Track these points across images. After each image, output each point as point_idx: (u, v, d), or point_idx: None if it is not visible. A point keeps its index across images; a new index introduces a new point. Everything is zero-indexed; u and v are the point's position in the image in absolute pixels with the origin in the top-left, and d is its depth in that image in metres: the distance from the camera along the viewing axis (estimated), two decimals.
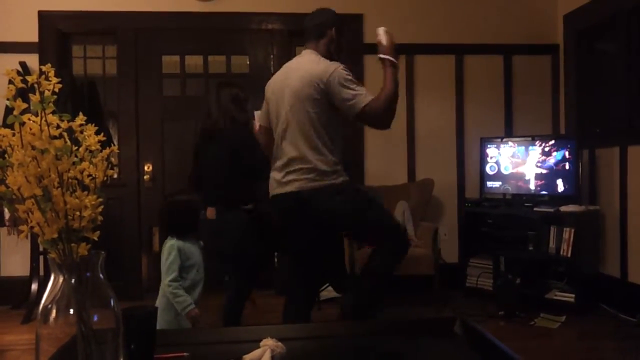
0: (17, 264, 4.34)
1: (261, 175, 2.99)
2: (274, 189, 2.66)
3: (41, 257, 4.08)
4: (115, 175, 4.54)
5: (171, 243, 2.69)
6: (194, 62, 4.77)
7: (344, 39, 2.81)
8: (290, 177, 2.57)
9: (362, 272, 2.78)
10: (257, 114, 3.22)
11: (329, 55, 2.69)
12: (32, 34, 4.41)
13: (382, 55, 2.59)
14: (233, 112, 3.29)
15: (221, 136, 3.26)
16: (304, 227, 2.64)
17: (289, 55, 4.72)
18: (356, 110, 2.48)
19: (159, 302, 2.70)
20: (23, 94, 0.82)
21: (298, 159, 2.55)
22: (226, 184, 3.22)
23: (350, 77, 2.52)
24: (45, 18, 4.44)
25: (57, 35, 4.48)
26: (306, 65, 2.62)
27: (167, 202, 3.06)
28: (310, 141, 2.53)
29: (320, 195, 2.51)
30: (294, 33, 4.69)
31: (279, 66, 4.66)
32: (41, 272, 4.12)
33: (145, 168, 4.62)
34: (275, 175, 2.66)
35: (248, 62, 4.79)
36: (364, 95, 2.49)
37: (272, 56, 4.74)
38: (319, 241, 2.69)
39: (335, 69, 2.52)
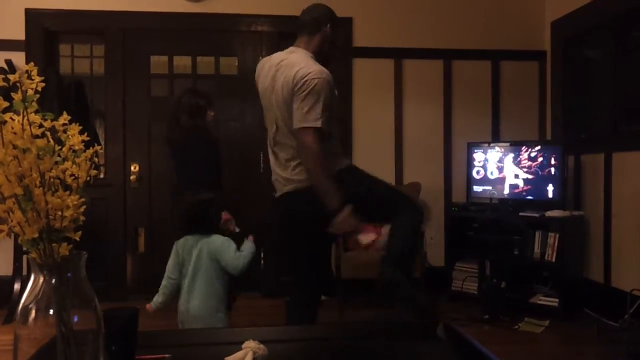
0: None
1: (206, 184, 3.18)
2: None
3: (24, 257, 4.04)
4: (101, 175, 4.52)
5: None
6: (182, 62, 4.75)
7: (338, 37, 2.69)
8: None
9: (384, 257, 2.62)
10: None
11: (321, 53, 2.57)
12: (19, 32, 4.37)
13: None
14: (185, 121, 3.49)
15: (174, 143, 3.57)
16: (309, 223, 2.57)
17: None
18: (297, 124, 2.36)
19: (207, 295, 2.73)
20: (6, 92, 0.81)
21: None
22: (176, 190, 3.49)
23: (322, 93, 2.34)
24: (33, 16, 4.41)
25: (44, 33, 4.45)
26: (293, 68, 2.43)
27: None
28: None
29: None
30: (283, 35, 4.68)
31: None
32: (24, 272, 4.09)
33: (132, 168, 4.59)
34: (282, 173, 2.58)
35: (237, 64, 4.78)
36: (313, 120, 2.32)
37: (261, 58, 4.71)
38: (319, 239, 2.63)
39: (315, 76, 2.35)
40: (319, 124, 2.32)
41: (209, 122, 3.59)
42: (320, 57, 2.55)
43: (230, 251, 2.74)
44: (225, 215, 3.09)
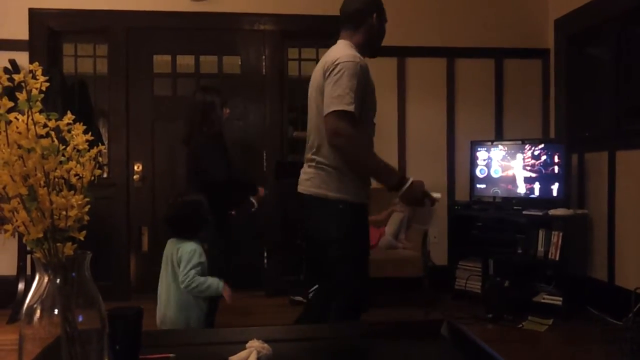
0: (3, 263, 4.30)
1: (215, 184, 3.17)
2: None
3: (28, 257, 4.06)
4: (105, 175, 4.52)
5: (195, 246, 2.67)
6: (185, 62, 4.75)
7: (384, 29, 2.44)
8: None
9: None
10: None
11: (368, 47, 2.35)
12: (22, 32, 4.38)
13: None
14: (200, 120, 3.44)
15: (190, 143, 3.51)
16: None
17: (281, 56, 4.74)
18: (327, 110, 2.13)
19: (178, 305, 2.62)
20: (11, 92, 0.81)
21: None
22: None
23: (354, 78, 2.13)
24: (36, 16, 4.42)
25: (48, 33, 4.45)
26: (325, 58, 2.27)
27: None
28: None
29: None
30: (286, 34, 4.69)
31: (271, 67, 4.72)
32: (28, 272, 4.10)
33: (135, 168, 4.60)
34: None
35: (240, 63, 4.78)
36: (345, 103, 2.09)
37: (264, 57, 4.73)
38: None
39: (346, 59, 2.15)
40: (351, 108, 2.09)
41: (224, 119, 3.53)
42: (366, 50, 2.35)
43: (191, 262, 2.59)
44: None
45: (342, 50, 2.23)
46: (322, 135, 2.20)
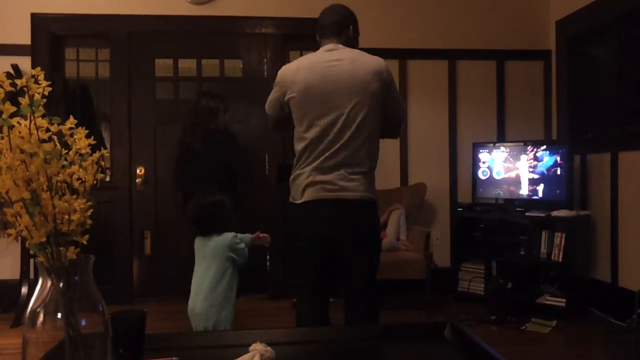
0: (6, 267, 4.31)
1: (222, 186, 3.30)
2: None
3: (31, 261, 4.06)
4: (108, 179, 4.53)
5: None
6: (187, 65, 4.76)
7: (358, 42, 2.51)
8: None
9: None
10: None
11: None
12: (24, 37, 4.40)
13: None
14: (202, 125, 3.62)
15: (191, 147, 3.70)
16: None
17: (283, 59, 4.74)
18: (401, 116, 2.46)
19: (209, 300, 2.74)
20: (14, 97, 0.81)
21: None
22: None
23: None
24: (38, 20, 4.43)
25: (50, 37, 4.47)
26: (359, 57, 2.28)
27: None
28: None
29: None
30: (287, 37, 4.70)
31: (272, 70, 4.71)
32: (31, 276, 4.11)
33: (138, 171, 4.60)
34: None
35: (242, 66, 4.79)
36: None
37: (265, 60, 4.74)
38: None
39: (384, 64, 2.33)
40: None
41: (225, 123, 3.60)
42: None
43: (242, 244, 2.83)
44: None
45: (366, 55, 2.32)
46: (366, 142, 2.27)
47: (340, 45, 2.35)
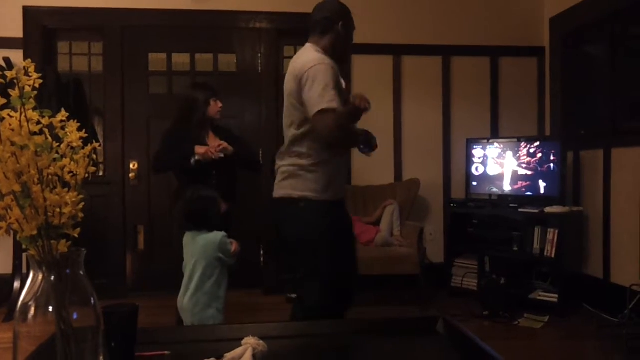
0: None
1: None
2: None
3: (24, 255, 4.03)
4: (101, 173, 4.51)
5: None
6: (181, 60, 4.74)
7: (351, 37, 2.51)
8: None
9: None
10: None
11: (333, 53, 2.40)
12: (17, 30, 4.36)
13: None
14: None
15: None
16: None
17: (277, 54, 4.73)
18: (312, 111, 2.20)
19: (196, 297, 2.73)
20: (4, 89, 0.81)
21: None
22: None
23: (328, 78, 2.22)
24: (31, 13, 4.40)
25: (43, 31, 4.44)
26: (293, 64, 2.37)
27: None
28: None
29: None
30: (282, 32, 4.69)
31: (266, 65, 4.71)
32: (24, 270, 4.09)
33: (131, 166, 4.59)
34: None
35: (235, 61, 4.77)
36: (327, 101, 2.17)
37: (259, 55, 4.73)
38: None
39: (316, 63, 2.24)
40: (334, 104, 2.16)
41: (214, 115, 3.50)
42: (332, 55, 2.38)
43: (229, 247, 2.79)
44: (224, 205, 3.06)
45: (308, 55, 2.33)
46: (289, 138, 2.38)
47: (308, 45, 2.44)
